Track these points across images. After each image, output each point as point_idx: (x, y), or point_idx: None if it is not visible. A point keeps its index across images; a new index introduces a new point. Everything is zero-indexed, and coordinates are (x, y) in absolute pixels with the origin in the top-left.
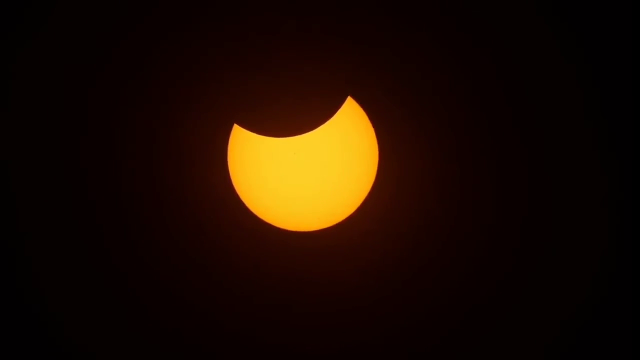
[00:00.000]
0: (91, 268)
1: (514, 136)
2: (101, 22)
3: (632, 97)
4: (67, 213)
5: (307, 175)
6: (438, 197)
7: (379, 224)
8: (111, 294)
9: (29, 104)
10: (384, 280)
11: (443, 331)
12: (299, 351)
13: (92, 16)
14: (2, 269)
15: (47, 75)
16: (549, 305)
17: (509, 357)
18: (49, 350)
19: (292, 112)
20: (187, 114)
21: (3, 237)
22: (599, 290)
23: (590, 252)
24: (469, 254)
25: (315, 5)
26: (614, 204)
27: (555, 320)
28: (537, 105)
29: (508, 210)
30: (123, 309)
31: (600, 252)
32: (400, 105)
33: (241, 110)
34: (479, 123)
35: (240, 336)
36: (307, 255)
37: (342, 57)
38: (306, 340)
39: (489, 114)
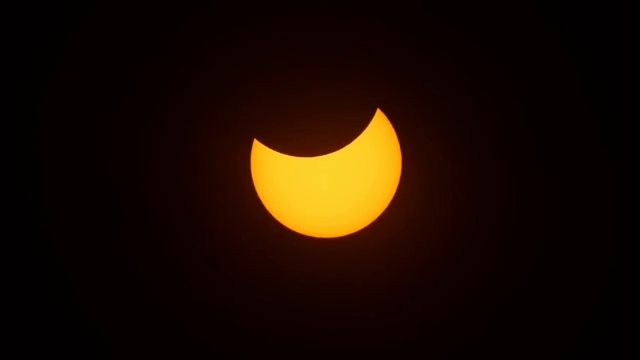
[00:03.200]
0: (120, 278)
1: (537, 155)
2: (128, 41)
3: None
4: (99, 227)
5: (330, 184)
6: (459, 204)
7: (400, 231)
8: (138, 301)
9: (60, 120)
10: (405, 285)
11: (462, 337)
12: (323, 356)
13: (120, 35)
14: (33, 270)
15: (78, 93)
16: (573, 299)
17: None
18: (72, 347)
19: (320, 130)
20: (211, 129)
21: (37, 242)
22: (617, 292)
23: (608, 254)
24: (486, 263)
25: (339, 18)
26: (625, 207)
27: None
28: (558, 122)
29: (527, 224)
30: (150, 315)
31: (616, 255)
32: (426, 114)
33: (264, 128)
34: (502, 138)
35: (266, 342)
36: (330, 261)
37: (369, 69)
38: (332, 345)
39: (512, 130)
